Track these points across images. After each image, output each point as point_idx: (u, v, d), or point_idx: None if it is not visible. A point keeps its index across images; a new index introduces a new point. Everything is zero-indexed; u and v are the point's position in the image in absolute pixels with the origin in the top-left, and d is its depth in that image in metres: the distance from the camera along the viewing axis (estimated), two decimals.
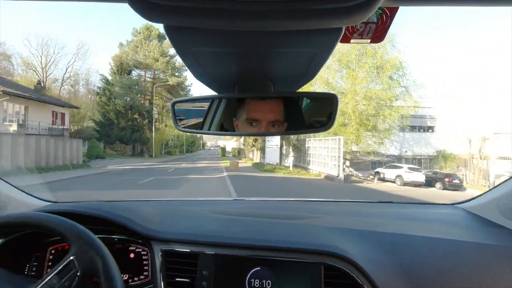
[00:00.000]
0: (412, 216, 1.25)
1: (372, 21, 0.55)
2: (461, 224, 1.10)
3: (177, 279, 0.91)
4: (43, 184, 9.51)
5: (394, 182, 16.97)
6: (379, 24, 0.56)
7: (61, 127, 22.23)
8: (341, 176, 16.38)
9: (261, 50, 0.50)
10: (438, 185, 15.70)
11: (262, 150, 22.30)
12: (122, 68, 31.12)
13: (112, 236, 1.03)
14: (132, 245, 1.02)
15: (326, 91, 15.99)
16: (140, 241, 1.01)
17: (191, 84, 39.07)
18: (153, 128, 31.66)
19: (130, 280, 0.98)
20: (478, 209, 1.14)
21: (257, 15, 0.32)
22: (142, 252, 1.01)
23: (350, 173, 18.88)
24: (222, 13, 0.32)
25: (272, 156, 19.39)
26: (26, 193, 1.27)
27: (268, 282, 0.84)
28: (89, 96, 37.17)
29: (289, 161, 20.00)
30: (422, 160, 26.26)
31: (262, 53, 0.51)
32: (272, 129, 0.66)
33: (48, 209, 1.03)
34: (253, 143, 26.19)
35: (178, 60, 34.99)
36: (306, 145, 20.03)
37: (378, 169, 18.94)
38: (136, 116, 32.13)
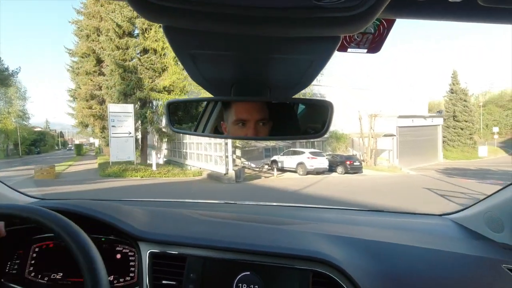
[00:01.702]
0: (401, 225, 1.27)
1: (369, 31, 0.56)
2: (449, 235, 1.13)
3: (163, 281, 0.89)
4: (29, 179, 8.76)
5: (295, 171, 13.98)
6: (376, 35, 0.57)
7: None
8: (231, 172, 11.25)
9: (258, 55, 0.50)
10: (339, 169, 14.22)
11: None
12: None
13: (99, 236, 1.01)
14: (120, 245, 1.01)
15: None
16: (128, 241, 0.99)
17: None
18: None
19: (115, 281, 0.97)
20: (466, 220, 1.16)
21: (255, 21, 0.33)
22: (130, 253, 1.00)
23: (242, 165, 14.07)
24: (222, 17, 0.32)
25: (121, 151, 12.36)
26: (12, 188, 1.31)
27: (256, 287, 0.84)
28: None
29: (153, 157, 13.35)
30: (315, 142, 24.69)
31: (259, 58, 0.51)
32: (261, 130, 0.66)
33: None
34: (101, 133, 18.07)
35: None
36: None
37: (275, 157, 15.67)
38: None
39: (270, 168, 15.27)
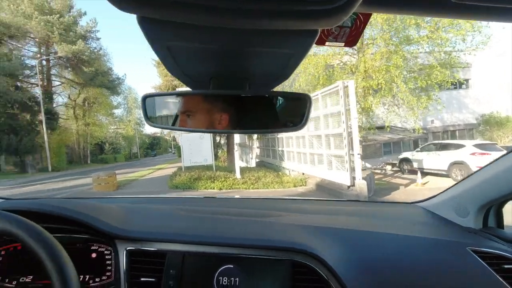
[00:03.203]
0: (376, 213, 1.32)
1: (346, 25, 0.58)
2: (419, 222, 1.16)
3: (142, 279, 0.89)
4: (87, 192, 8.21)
5: (446, 175, 8.93)
6: (353, 29, 0.58)
7: None
8: (359, 182, 6.36)
9: (237, 48, 0.49)
10: None
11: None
12: None
13: (72, 235, 0.98)
14: (95, 244, 0.98)
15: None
16: (104, 240, 0.97)
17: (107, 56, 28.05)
18: (44, 127, 20.17)
19: (91, 281, 0.94)
20: (435, 207, 1.21)
21: (233, 13, 0.32)
22: (106, 252, 0.96)
23: (364, 167, 8.96)
24: (198, 8, 0.32)
25: (195, 151, 8.83)
26: None
27: (237, 280, 0.84)
28: None
29: (235, 160, 9.20)
30: (457, 132, 17.03)
31: (237, 51, 0.51)
32: (223, 123, 0.64)
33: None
34: None
35: (81, 24, 23.59)
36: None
37: (406, 154, 11.10)
38: (10, 110, 20.26)
39: (399, 169, 11.04)
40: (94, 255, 0.96)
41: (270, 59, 0.53)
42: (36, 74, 21.89)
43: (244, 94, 0.65)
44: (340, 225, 1.04)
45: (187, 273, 0.87)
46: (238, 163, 8.76)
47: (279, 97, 0.68)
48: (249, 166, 13.44)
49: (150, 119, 0.66)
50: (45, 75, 23.59)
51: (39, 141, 20.76)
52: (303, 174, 8.68)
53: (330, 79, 9.15)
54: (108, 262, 0.95)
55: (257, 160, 14.07)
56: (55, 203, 0.97)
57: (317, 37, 0.42)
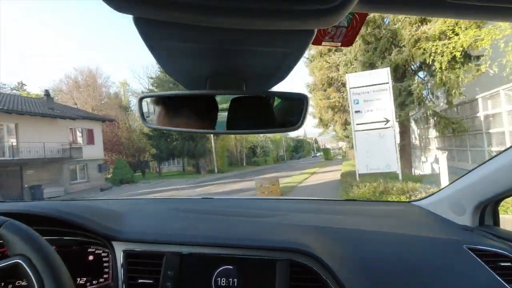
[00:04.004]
0: (373, 212, 1.28)
1: (343, 25, 0.57)
2: (416, 220, 1.16)
3: (139, 280, 0.88)
4: None
5: None
6: (349, 29, 0.58)
7: (68, 146, 16.39)
8: None
9: (233, 48, 0.49)
10: None
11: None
12: None
13: (68, 238, 0.97)
14: (92, 246, 0.97)
15: None
16: (100, 242, 0.95)
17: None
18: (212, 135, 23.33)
19: (88, 284, 0.94)
20: (431, 206, 1.20)
21: (230, 12, 0.32)
22: (103, 254, 0.96)
23: None
24: (195, 8, 0.32)
25: (373, 154, 6.51)
26: None
27: (235, 281, 0.84)
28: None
29: (442, 167, 6.07)
30: None
31: (234, 50, 0.50)
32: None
33: None
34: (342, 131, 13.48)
35: None
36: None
37: None
38: None
39: None
40: (91, 257, 0.95)
41: (266, 59, 0.52)
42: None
43: (241, 94, 0.64)
44: (338, 225, 1.03)
45: (185, 274, 0.86)
46: (444, 171, 5.92)
47: (276, 97, 0.68)
48: (433, 173, 9.98)
49: (147, 120, 0.66)
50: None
51: (208, 146, 24.21)
52: None
53: None
54: (105, 264, 0.94)
55: (437, 164, 10.32)
56: (49, 205, 0.97)
57: (313, 37, 0.42)
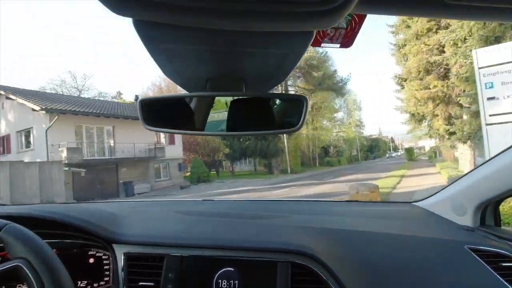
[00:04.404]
0: (374, 214, 1.28)
1: (342, 26, 0.57)
2: (417, 221, 1.15)
3: (140, 283, 0.88)
4: None
5: None
6: (348, 30, 0.58)
7: (153, 146, 17.76)
8: None
9: (233, 49, 0.49)
10: None
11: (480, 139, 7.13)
12: None
13: (68, 241, 0.97)
14: (92, 249, 0.97)
15: None
16: (101, 244, 0.96)
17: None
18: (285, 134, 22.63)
19: (89, 287, 0.94)
20: (433, 206, 1.19)
21: (229, 14, 0.33)
22: (103, 257, 0.96)
23: None
24: (194, 10, 0.32)
25: None
26: None
27: (236, 283, 0.84)
28: None
29: None
30: None
31: (234, 52, 0.51)
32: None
33: None
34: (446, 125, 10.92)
35: None
36: None
37: None
38: None
39: None
40: (91, 260, 0.95)
41: (266, 60, 0.53)
42: (279, 86, 25.41)
43: (241, 95, 0.64)
44: (339, 226, 1.02)
45: (185, 276, 0.86)
46: None
47: (276, 99, 0.69)
48: None
49: (148, 122, 0.65)
50: (283, 87, 26.97)
51: (280, 146, 23.61)
52: None
53: None
54: (106, 267, 0.94)
55: None
56: (50, 209, 0.98)
57: (312, 39, 0.42)
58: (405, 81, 12.92)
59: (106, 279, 0.93)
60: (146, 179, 16.58)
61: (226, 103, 0.66)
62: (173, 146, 19.07)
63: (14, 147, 15.21)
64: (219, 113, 0.67)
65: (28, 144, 14.82)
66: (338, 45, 0.61)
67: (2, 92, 14.80)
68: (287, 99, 0.71)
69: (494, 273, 0.80)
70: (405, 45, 12.53)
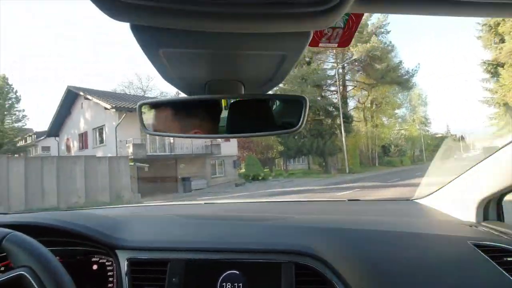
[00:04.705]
0: (376, 212, 1.31)
1: (339, 26, 0.58)
2: (420, 218, 1.17)
3: None
4: None
5: None
6: (346, 29, 0.58)
7: (210, 143, 18.07)
8: None
9: (231, 52, 0.50)
10: None
11: None
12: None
13: (71, 248, 0.97)
14: (95, 256, 0.96)
15: None
16: (104, 250, 0.95)
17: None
18: (342, 130, 21.26)
19: None
20: (435, 203, 1.21)
21: (227, 17, 0.33)
22: (107, 263, 0.95)
23: None
24: (190, 14, 0.32)
25: None
26: None
27: (240, 285, 0.83)
28: None
29: None
30: None
31: (231, 54, 0.51)
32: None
33: None
34: None
35: (371, 22, 23.11)
36: None
37: None
38: (317, 117, 23.21)
39: None
40: (95, 266, 0.95)
41: (264, 61, 0.53)
42: (335, 82, 23.99)
43: (240, 97, 0.65)
44: (342, 225, 1.02)
45: (189, 280, 0.86)
46: None
47: (275, 100, 0.70)
48: None
49: (147, 126, 0.65)
50: (341, 82, 25.41)
51: (338, 144, 22.26)
52: None
53: None
54: (109, 273, 0.94)
55: None
56: (52, 216, 0.99)
57: (310, 39, 0.42)
58: (498, 67, 10.81)
59: (110, 285, 0.92)
60: (203, 175, 16.91)
61: (225, 106, 0.66)
62: (228, 143, 19.22)
63: (90, 142, 16.81)
64: (219, 116, 0.67)
65: (101, 140, 16.24)
66: (336, 45, 0.61)
67: (82, 93, 16.41)
68: (286, 100, 0.72)
69: (499, 268, 0.80)
70: (495, 26, 10.46)
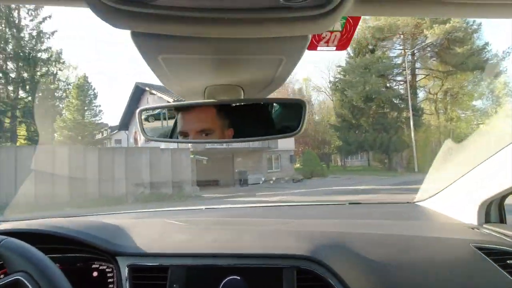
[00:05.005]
0: (378, 215, 1.32)
1: (337, 29, 0.58)
2: (421, 220, 1.18)
3: None
4: None
5: None
6: (344, 33, 0.58)
7: None
8: None
9: (230, 57, 0.50)
10: None
11: None
12: (360, 47, 21.93)
13: (72, 255, 0.96)
14: (96, 262, 0.96)
15: None
16: (104, 257, 0.95)
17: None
18: (411, 125, 19.04)
19: None
20: (436, 206, 1.21)
21: (225, 23, 0.33)
22: (107, 270, 0.95)
23: None
24: (190, 20, 0.32)
25: None
26: None
27: None
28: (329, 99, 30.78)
29: None
30: None
31: (230, 59, 0.51)
32: (222, 136, 0.66)
33: None
34: None
35: None
36: None
37: None
38: (381, 109, 21.14)
39: None
40: (95, 273, 0.94)
41: (263, 66, 0.53)
42: (402, 71, 21.60)
43: (240, 101, 0.65)
44: (343, 229, 1.02)
45: (190, 286, 0.85)
46: None
47: (274, 104, 0.69)
48: None
49: (147, 132, 0.65)
50: (409, 71, 22.82)
51: (405, 139, 20.05)
52: None
53: None
54: (110, 280, 0.92)
55: None
56: (52, 223, 0.97)
57: (308, 43, 0.42)
58: None
59: None
60: (259, 170, 16.68)
61: (225, 110, 0.65)
62: None
63: None
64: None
65: None
66: (334, 48, 0.61)
67: (147, 89, 17.46)
68: (286, 104, 0.71)
69: (502, 270, 0.79)
70: None
